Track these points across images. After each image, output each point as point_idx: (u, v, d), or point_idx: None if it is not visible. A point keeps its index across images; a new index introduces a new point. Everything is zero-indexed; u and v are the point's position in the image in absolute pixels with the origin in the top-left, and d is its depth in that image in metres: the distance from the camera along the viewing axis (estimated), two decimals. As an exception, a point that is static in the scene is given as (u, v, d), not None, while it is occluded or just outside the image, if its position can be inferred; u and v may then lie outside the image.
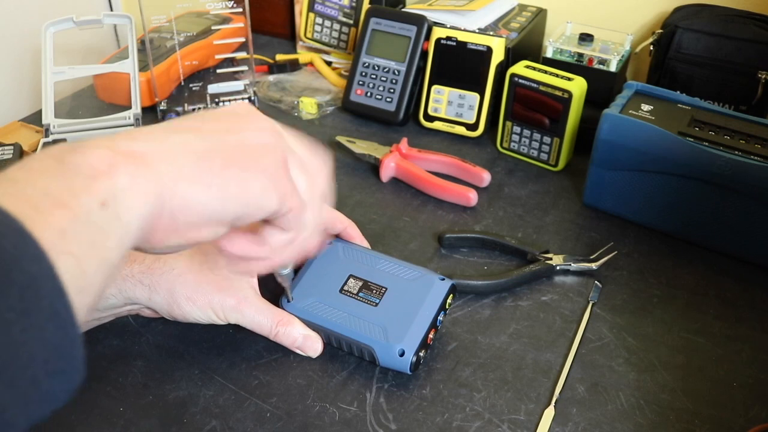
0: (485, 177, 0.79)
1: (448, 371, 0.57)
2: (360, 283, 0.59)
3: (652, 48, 0.88)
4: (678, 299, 0.65)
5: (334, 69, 1.05)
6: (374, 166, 0.82)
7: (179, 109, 0.92)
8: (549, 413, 0.53)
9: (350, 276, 0.60)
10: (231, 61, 0.99)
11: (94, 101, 0.96)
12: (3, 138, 0.88)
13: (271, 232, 0.45)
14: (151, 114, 0.93)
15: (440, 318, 0.57)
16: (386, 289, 0.58)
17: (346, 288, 0.59)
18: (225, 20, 1.00)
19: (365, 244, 0.64)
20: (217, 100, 0.94)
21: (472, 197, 0.76)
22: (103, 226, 0.32)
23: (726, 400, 0.55)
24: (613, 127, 0.69)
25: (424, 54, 0.90)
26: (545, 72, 0.79)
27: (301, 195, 0.44)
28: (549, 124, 0.80)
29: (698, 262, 0.69)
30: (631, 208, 0.73)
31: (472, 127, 0.89)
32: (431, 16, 0.92)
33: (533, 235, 0.73)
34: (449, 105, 0.89)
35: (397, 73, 0.91)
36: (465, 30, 0.88)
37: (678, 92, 0.74)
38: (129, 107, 0.88)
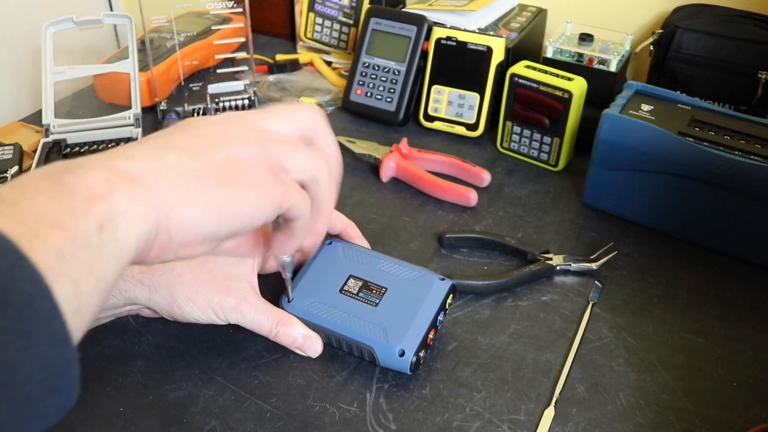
0: (485, 177, 0.79)
1: (448, 371, 0.57)
2: (360, 283, 0.59)
3: (652, 48, 0.88)
4: (678, 299, 0.65)
5: (334, 69, 1.06)
6: (374, 166, 0.82)
7: (179, 109, 0.92)
8: (549, 413, 0.53)
9: (350, 276, 0.60)
10: (231, 61, 0.99)
11: (94, 101, 0.96)
12: (3, 138, 0.88)
13: (292, 222, 0.47)
14: (151, 114, 0.93)
15: (440, 318, 0.57)
16: (386, 289, 0.58)
17: (346, 288, 0.59)
18: (225, 20, 1.00)
19: (365, 244, 0.64)
20: (217, 100, 0.94)
21: (472, 197, 0.76)
22: (100, 249, 0.32)
23: (726, 400, 0.55)
24: (613, 127, 0.69)
25: (424, 54, 0.90)
26: (545, 72, 0.80)
27: (308, 175, 0.45)
28: (549, 124, 0.80)
29: (698, 262, 0.69)
30: (631, 208, 0.73)
31: (472, 127, 0.89)
32: (431, 16, 0.92)
33: (533, 235, 0.73)
34: (449, 105, 0.89)
35: (397, 73, 0.91)
36: (465, 30, 0.88)
37: (678, 92, 0.74)
38: (129, 107, 0.88)
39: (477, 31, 0.89)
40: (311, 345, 0.57)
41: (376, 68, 0.92)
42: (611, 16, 0.97)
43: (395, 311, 0.57)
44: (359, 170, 0.83)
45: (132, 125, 0.87)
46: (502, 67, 0.86)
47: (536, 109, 0.81)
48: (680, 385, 0.56)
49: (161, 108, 0.92)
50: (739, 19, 0.84)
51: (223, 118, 0.44)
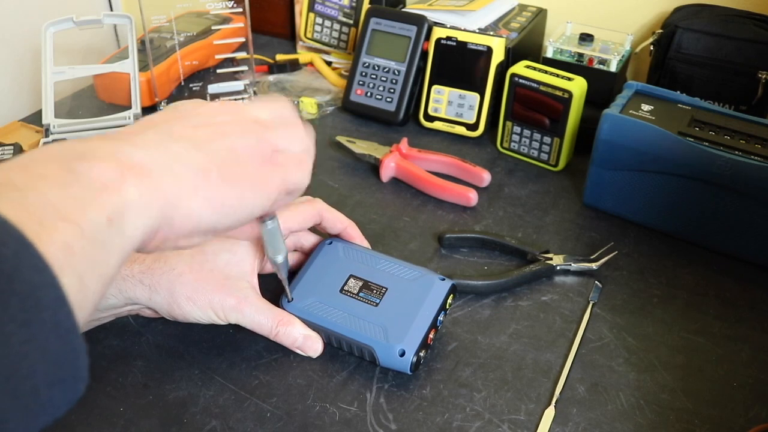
0: (485, 177, 0.79)
1: (449, 371, 0.57)
2: (360, 283, 0.59)
3: (652, 48, 0.88)
4: (678, 299, 0.65)
5: (334, 69, 1.05)
6: (374, 166, 0.82)
7: (179, 109, 0.92)
8: (549, 413, 0.53)
9: (350, 276, 0.60)
10: (231, 61, 0.99)
11: (94, 101, 0.96)
12: (3, 138, 0.88)
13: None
14: (151, 114, 0.93)
15: (440, 318, 0.57)
16: (386, 289, 0.58)
17: (346, 288, 0.59)
18: (225, 20, 1.00)
19: (365, 244, 0.64)
20: (217, 100, 0.94)
21: (472, 197, 0.76)
22: (107, 242, 0.32)
23: (726, 400, 0.55)
24: (613, 127, 0.69)
25: (424, 54, 0.90)
26: (545, 72, 0.80)
27: (304, 143, 0.46)
28: (549, 124, 0.80)
29: (698, 262, 0.69)
30: (631, 208, 0.73)
31: (472, 127, 0.89)
32: (431, 16, 0.92)
33: (533, 235, 0.73)
34: (449, 105, 0.89)
35: (397, 73, 0.91)
36: (465, 30, 0.88)
37: (678, 92, 0.74)
38: (129, 107, 0.88)
39: (477, 31, 0.89)
40: (311, 345, 0.57)
41: (376, 68, 0.92)
42: (611, 16, 0.97)
43: (395, 311, 0.57)
44: (359, 170, 0.83)
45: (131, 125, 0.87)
46: (502, 67, 0.86)
47: (536, 109, 0.81)
48: (680, 385, 0.56)
49: (161, 108, 0.92)
50: (739, 19, 0.84)
51: (218, 109, 0.44)
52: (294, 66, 1.06)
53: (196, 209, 0.38)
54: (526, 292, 0.65)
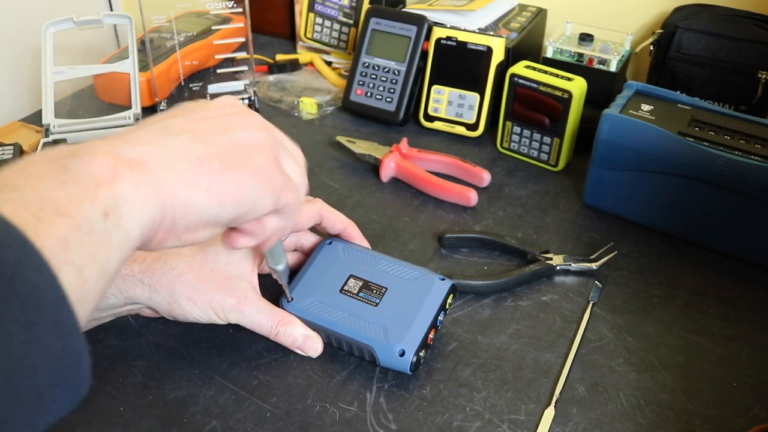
0: (485, 177, 0.79)
1: (449, 371, 0.57)
2: (360, 283, 0.59)
3: (652, 48, 0.88)
4: (678, 299, 0.65)
5: (334, 69, 1.05)
6: (374, 166, 0.82)
7: (179, 109, 0.92)
8: (549, 413, 0.53)
9: (350, 276, 0.60)
10: (231, 61, 0.99)
11: (94, 101, 0.96)
12: (3, 138, 0.88)
13: (270, 218, 0.45)
14: (151, 114, 0.93)
15: (440, 318, 0.57)
16: (386, 289, 0.58)
17: (346, 288, 0.59)
18: (225, 20, 1.00)
19: (365, 244, 0.64)
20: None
21: (472, 197, 0.76)
22: (104, 236, 0.32)
23: (726, 400, 0.55)
24: (613, 127, 0.69)
25: (424, 54, 0.90)
26: (545, 72, 0.80)
27: (296, 184, 0.45)
28: (549, 124, 0.80)
29: (698, 262, 0.69)
30: (631, 208, 0.73)
31: (472, 127, 0.89)
32: (431, 16, 0.92)
33: (533, 235, 0.73)
34: (449, 105, 0.89)
35: (397, 73, 0.91)
36: (465, 30, 0.88)
37: (678, 92, 0.74)
38: (129, 107, 0.88)
39: (477, 31, 0.89)
40: (311, 345, 0.57)
41: (376, 68, 0.92)
42: (611, 16, 0.97)
43: (395, 311, 0.57)
44: (359, 170, 0.83)
45: (132, 125, 0.87)
46: (502, 67, 0.86)
47: (536, 109, 0.81)
48: (680, 385, 0.56)
49: (161, 108, 0.92)
50: (739, 19, 0.84)
51: (224, 103, 0.44)
52: (294, 66, 1.06)
53: (196, 200, 0.37)
54: (526, 292, 0.65)
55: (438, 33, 0.88)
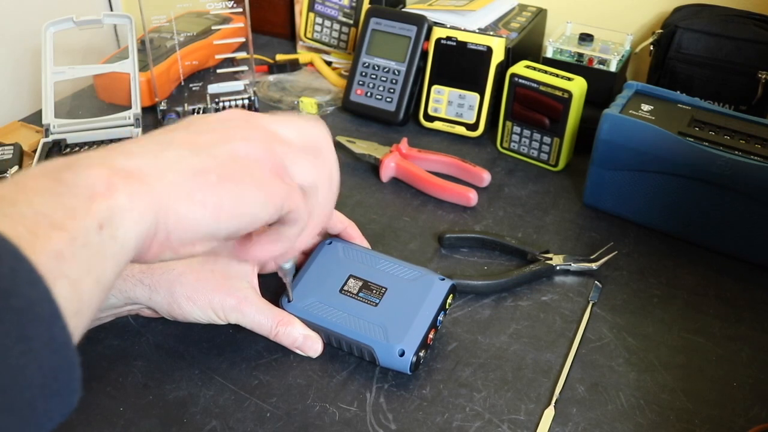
0: (485, 177, 0.79)
1: (448, 371, 0.57)
2: (360, 283, 0.59)
3: (652, 48, 0.88)
4: (678, 299, 0.65)
5: (334, 69, 1.05)
6: (374, 166, 0.82)
7: (179, 109, 0.92)
8: (549, 413, 0.53)
9: (350, 276, 0.60)
10: (231, 61, 0.99)
11: (94, 101, 0.96)
12: (3, 138, 0.88)
13: (283, 227, 0.44)
14: (151, 114, 0.93)
15: (440, 318, 0.57)
16: (386, 289, 0.58)
17: (346, 288, 0.59)
18: (225, 20, 1.00)
19: (365, 244, 0.64)
20: (217, 100, 0.94)
21: (472, 197, 0.76)
22: (100, 248, 0.32)
23: (726, 400, 0.55)
24: (613, 127, 0.69)
25: (424, 54, 0.90)
26: (545, 72, 0.79)
27: (309, 182, 0.44)
28: (549, 124, 0.80)
29: (698, 262, 0.69)
30: (631, 208, 0.73)
31: (472, 127, 0.89)
32: (431, 16, 0.92)
33: (533, 235, 0.73)
34: (449, 105, 0.89)
35: (397, 73, 0.91)
36: (465, 30, 0.88)
37: (678, 92, 0.74)
38: (129, 107, 0.88)
39: (477, 31, 0.89)
40: (311, 345, 0.57)
41: (376, 68, 0.92)
42: (611, 16, 0.97)
43: (395, 311, 0.57)
44: (359, 170, 0.83)
45: (132, 125, 0.87)
46: (502, 67, 0.86)
47: (536, 109, 0.81)
48: (680, 385, 0.56)
49: (161, 108, 0.92)
50: (739, 19, 0.84)
51: (228, 116, 0.43)
52: (294, 66, 1.06)
53: (192, 213, 0.37)
54: (526, 292, 0.65)
55: (438, 33, 0.88)
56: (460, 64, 0.87)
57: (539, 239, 0.72)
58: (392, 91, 0.91)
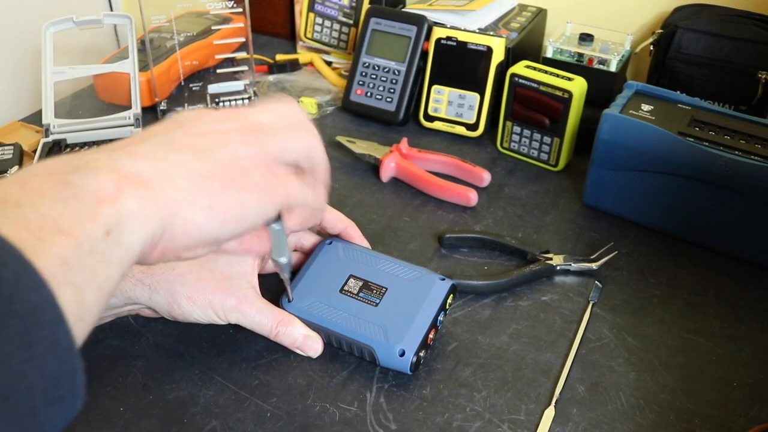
0: (485, 177, 0.79)
1: (449, 371, 0.57)
2: (360, 283, 0.59)
3: (652, 48, 0.88)
4: (678, 299, 0.65)
5: (334, 69, 1.05)
6: (374, 166, 0.82)
7: (179, 109, 0.92)
8: (549, 413, 0.53)
9: (350, 276, 0.60)
10: (231, 61, 0.99)
11: (94, 101, 0.96)
12: (3, 138, 0.88)
13: (290, 218, 0.47)
14: (151, 114, 0.93)
15: (440, 318, 0.57)
16: (386, 289, 0.58)
17: (346, 288, 0.59)
18: (225, 20, 1.00)
19: (365, 244, 0.64)
20: (217, 100, 0.94)
21: (472, 197, 0.76)
22: (105, 254, 0.32)
23: (726, 400, 0.55)
24: (613, 127, 0.69)
25: (424, 54, 0.90)
26: (545, 72, 0.80)
27: (302, 153, 0.46)
28: (549, 124, 0.80)
29: (698, 262, 0.69)
30: (631, 208, 0.73)
31: (472, 127, 0.89)
32: (431, 16, 0.92)
33: (533, 235, 0.73)
34: (449, 105, 0.89)
35: (397, 73, 0.91)
36: (465, 30, 0.88)
37: (678, 92, 0.74)
38: (129, 107, 0.88)
39: (477, 31, 0.89)
40: (311, 345, 0.57)
41: (376, 68, 0.92)
42: (611, 16, 0.97)
43: (395, 311, 0.57)
44: (359, 170, 0.83)
45: (132, 125, 0.87)
46: (502, 67, 0.86)
47: (536, 109, 0.81)
48: (680, 385, 0.56)
49: (161, 108, 0.92)
50: (739, 19, 0.84)
51: (221, 116, 0.44)
52: (294, 66, 1.06)
53: (197, 219, 0.37)
54: (526, 292, 0.65)
55: (438, 33, 0.88)
56: (460, 64, 0.87)
57: (539, 239, 0.72)
58: (392, 91, 0.91)
